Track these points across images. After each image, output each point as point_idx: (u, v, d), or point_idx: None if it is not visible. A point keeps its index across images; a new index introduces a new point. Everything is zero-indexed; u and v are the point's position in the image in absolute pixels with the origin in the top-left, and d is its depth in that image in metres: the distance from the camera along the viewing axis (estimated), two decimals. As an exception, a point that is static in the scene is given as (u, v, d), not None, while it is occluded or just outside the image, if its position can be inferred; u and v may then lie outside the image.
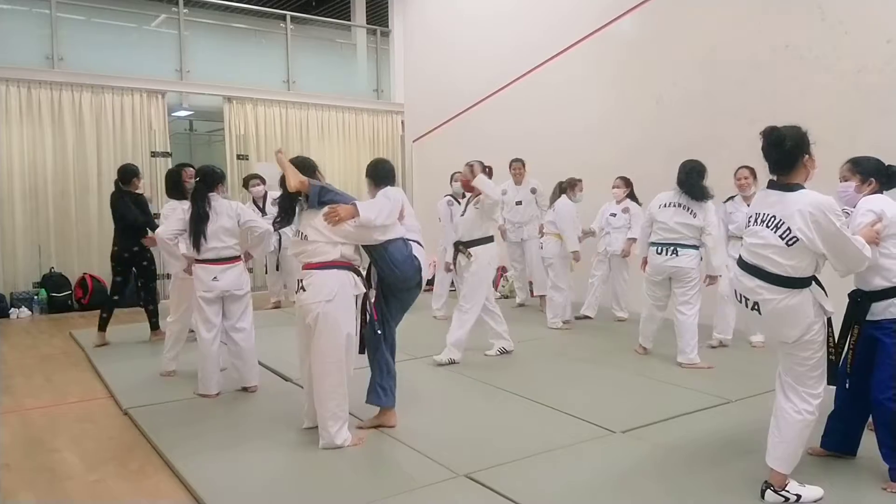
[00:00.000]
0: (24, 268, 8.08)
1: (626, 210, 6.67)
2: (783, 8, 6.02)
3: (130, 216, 5.94)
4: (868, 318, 3.01)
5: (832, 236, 2.67)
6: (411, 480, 3.17)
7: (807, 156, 2.78)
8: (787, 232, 2.70)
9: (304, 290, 3.45)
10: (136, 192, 6.10)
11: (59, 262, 8.22)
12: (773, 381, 2.99)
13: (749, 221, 2.89)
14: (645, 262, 5.31)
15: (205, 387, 4.48)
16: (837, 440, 3.26)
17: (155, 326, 6.23)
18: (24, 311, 7.83)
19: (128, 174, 6.11)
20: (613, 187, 6.74)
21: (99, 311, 6.18)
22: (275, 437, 3.67)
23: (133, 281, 6.21)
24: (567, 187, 6.67)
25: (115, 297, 6.10)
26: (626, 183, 6.69)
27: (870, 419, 3.17)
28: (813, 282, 2.77)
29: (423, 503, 2.98)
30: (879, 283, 2.98)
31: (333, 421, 3.47)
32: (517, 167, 7.46)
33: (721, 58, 6.43)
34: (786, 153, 2.77)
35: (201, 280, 4.39)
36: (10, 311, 7.78)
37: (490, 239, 5.31)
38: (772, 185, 2.86)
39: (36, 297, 7.98)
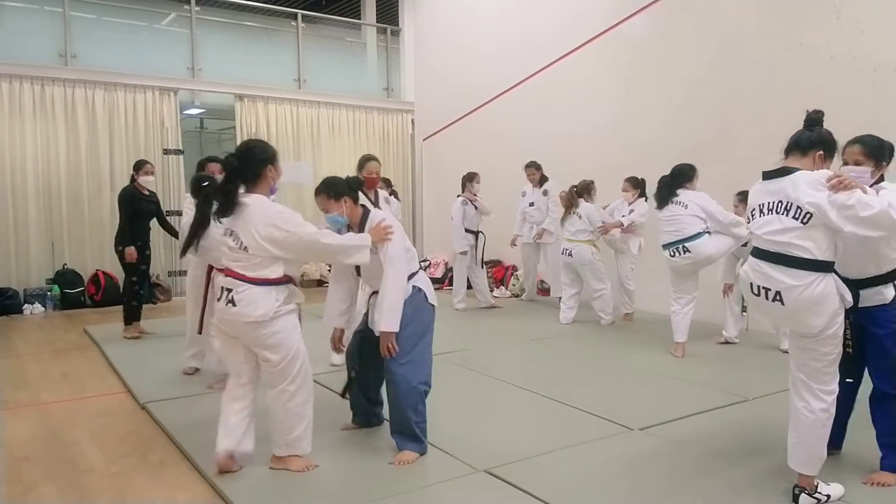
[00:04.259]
0: (38, 264, 8.12)
1: (632, 211, 6.67)
2: (797, 6, 6.00)
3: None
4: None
5: (835, 205, 2.60)
6: (431, 476, 3.17)
7: (823, 153, 2.79)
8: (799, 211, 2.67)
9: (234, 305, 3.02)
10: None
11: (72, 259, 8.27)
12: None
13: (753, 215, 2.85)
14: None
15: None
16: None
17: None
18: (38, 307, 7.87)
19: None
20: (623, 190, 6.71)
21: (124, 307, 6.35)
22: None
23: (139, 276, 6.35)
24: (583, 191, 6.65)
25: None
26: (635, 185, 6.64)
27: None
28: (833, 270, 2.72)
29: (444, 498, 3.00)
30: (870, 270, 2.93)
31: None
32: (530, 172, 7.58)
33: (734, 57, 6.42)
34: (812, 135, 2.79)
35: None
36: (24, 307, 7.82)
37: None
38: (767, 176, 2.82)
39: (49, 294, 8.01)
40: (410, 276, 3.35)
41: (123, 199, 6.24)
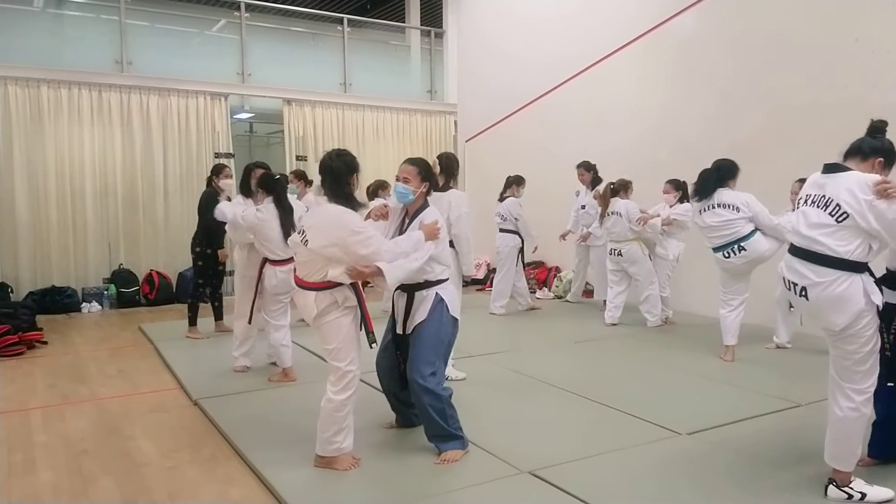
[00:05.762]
0: (95, 264, 8.42)
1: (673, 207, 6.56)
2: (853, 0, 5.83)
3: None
4: None
5: (874, 210, 2.60)
6: (475, 476, 3.18)
7: (883, 160, 2.79)
8: (837, 209, 2.69)
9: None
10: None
11: (128, 259, 8.54)
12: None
13: (799, 204, 2.90)
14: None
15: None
16: (884, 447, 3.12)
17: (219, 318, 6.56)
18: (95, 306, 8.16)
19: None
20: (664, 192, 6.56)
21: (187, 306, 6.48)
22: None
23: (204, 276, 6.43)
24: (619, 189, 6.57)
25: None
26: (677, 186, 6.49)
27: None
28: (865, 270, 2.70)
29: (487, 498, 3.00)
30: None
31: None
32: (580, 172, 7.50)
33: (787, 52, 6.26)
34: (875, 142, 2.81)
35: None
36: (82, 305, 8.11)
37: None
38: (825, 170, 2.84)
39: (106, 293, 8.30)
40: (438, 283, 3.35)
41: (207, 201, 6.20)
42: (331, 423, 3.21)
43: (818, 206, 2.75)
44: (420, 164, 3.41)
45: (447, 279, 3.43)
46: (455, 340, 3.52)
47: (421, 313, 3.32)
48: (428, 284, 3.33)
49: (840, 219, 2.67)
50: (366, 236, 3.04)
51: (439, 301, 3.33)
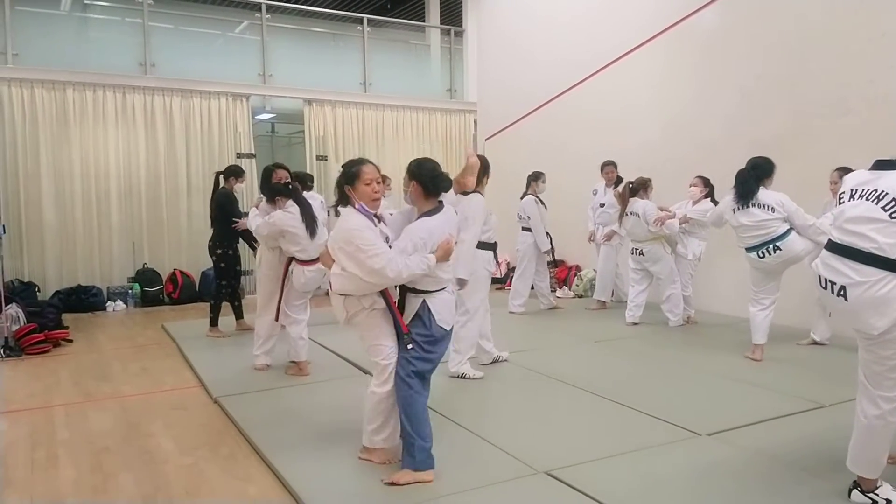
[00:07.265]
0: (120, 263, 8.54)
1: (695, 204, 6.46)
2: (880, -7, 5.71)
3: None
4: None
5: None
6: (490, 475, 3.17)
7: None
8: (893, 203, 2.54)
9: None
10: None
11: (152, 259, 8.66)
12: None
13: (842, 198, 2.76)
14: None
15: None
16: None
17: (240, 316, 6.61)
18: (120, 304, 8.27)
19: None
20: (690, 185, 6.46)
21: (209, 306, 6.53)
22: (360, 429, 3.73)
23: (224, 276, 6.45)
24: (639, 188, 6.51)
25: None
26: (706, 183, 6.40)
27: None
28: None
29: (502, 498, 2.98)
30: None
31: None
32: (608, 170, 7.45)
33: (811, 47, 6.15)
34: None
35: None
36: (107, 304, 8.24)
37: None
38: (875, 166, 2.72)
39: (130, 291, 8.42)
40: (425, 291, 3.18)
41: (226, 201, 6.27)
42: (374, 415, 3.24)
43: (868, 200, 2.61)
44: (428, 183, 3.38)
45: (441, 290, 3.22)
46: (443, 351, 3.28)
47: (406, 317, 3.21)
48: (416, 291, 3.19)
49: (894, 214, 2.53)
50: (373, 252, 2.99)
51: (427, 312, 3.17)
